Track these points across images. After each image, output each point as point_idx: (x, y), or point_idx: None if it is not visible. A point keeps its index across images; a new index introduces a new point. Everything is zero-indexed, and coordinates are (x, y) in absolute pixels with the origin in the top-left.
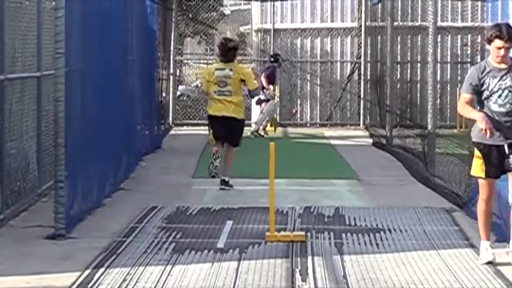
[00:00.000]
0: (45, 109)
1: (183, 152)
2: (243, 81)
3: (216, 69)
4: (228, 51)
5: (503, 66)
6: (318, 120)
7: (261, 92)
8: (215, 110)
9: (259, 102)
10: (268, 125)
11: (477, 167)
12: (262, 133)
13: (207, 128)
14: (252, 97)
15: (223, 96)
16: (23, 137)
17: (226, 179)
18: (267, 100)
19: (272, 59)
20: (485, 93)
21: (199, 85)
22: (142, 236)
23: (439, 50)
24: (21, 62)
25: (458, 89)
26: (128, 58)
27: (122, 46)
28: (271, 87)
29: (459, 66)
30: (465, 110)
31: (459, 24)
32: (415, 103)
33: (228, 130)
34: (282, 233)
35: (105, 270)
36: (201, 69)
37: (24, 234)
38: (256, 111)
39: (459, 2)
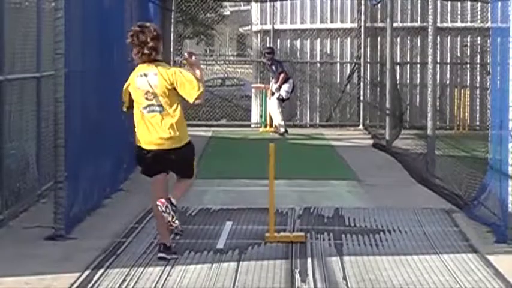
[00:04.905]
0: (45, 110)
1: None
2: (175, 89)
3: (137, 76)
4: (146, 45)
5: None
6: (318, 121)
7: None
8: (144, 140)
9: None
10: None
11: None
12: (283, 130)
13: (206, 129)
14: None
15: (153, 113)
16: (23, 137)
17: (174, 202)
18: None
19: (268, 50)
20: None
21: None
22: (142, 236)
23: (438, 51)
24: (21, 62)
25: (457, 90)
26: (127, 58)
27: (121, 46)
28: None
29: (459, 67)
30: None
31: (459, 25)
32: (415, 104)
33: (169, 164)
34: (282, 233)
35: (104, 271)
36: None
37: (23, 235)
38: (255, 111)
39: (459, 3)
